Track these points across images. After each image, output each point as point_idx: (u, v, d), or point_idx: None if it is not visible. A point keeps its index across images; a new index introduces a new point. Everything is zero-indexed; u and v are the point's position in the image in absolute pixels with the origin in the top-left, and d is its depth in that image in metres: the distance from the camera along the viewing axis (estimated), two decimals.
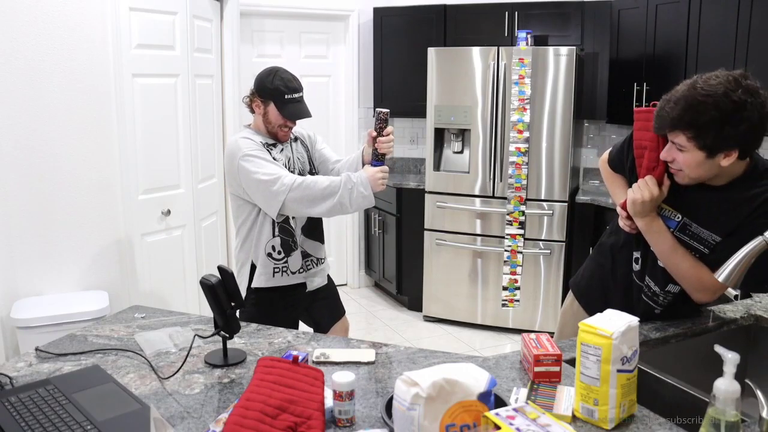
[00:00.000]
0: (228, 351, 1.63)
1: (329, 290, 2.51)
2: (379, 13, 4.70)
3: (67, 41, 2.71)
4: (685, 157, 1.53)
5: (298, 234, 2.33)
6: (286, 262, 2.31)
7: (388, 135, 2.20)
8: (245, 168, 2.16)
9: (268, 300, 2.32)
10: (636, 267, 1.82)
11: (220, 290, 1.57)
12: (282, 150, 2.30)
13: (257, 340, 1.77)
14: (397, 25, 4.67)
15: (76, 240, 2.85)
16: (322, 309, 2.49)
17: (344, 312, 2.58)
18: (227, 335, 1.61)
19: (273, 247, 2.28)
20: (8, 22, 2.57)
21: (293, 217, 2.30)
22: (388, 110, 2.21)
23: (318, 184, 2.14)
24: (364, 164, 2.32)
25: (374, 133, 2.21)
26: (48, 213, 2.77)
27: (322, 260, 2.44)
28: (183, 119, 3.34)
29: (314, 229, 2.39)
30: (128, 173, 2.98)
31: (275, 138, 2.30)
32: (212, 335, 1.64)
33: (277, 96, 2.22)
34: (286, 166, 2.27)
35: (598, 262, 1.98)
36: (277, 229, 2.28)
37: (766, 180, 1.58)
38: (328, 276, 2.53)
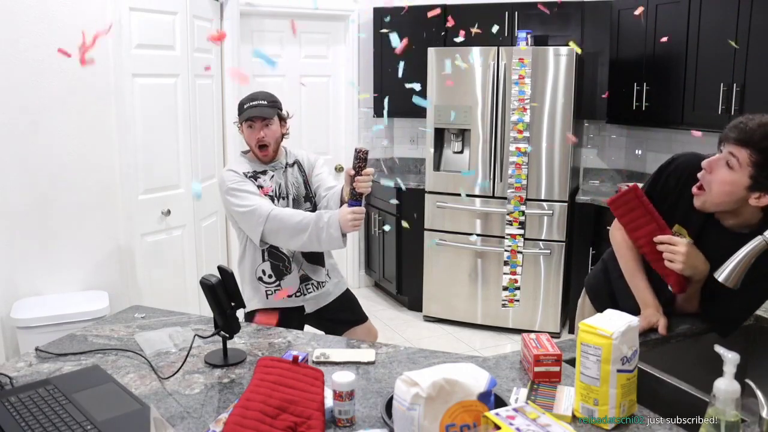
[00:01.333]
0: (228, 351, 1.63)
1: (341, 301, 2.49)
2: (379, 13, 4.70)
3: (67, 41, 2.70)
4: (725, 175, 1.51)
5: (295, 258, 2.35)
6: (279, 285, 2.34)
7: (366, 175, 2.10)
8: (229, 201, 2.24)
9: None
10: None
11: (220, 290, 1.58)
12: (273, 176, 2.31)
13: (257, 340, 1.77)
14: (397, 25, 4.67)
15: (76, 240, 2.85)
16: (330, 320, 2.47)
17: (364, 319, 2.53)
18: (227, 335, 1.61)
19: (263, 272, 2.33)
20: (9, 23, 2.57)
21: None
22: (368, 150, 2.13)
23: (292, 217, 2.15)
24: (343, 202, 2.26)
25: (352, 172, 2.10)
26: (48, 213, 2.77)
27: (323, 283, 2.43)
28: (183, 119, 3.34)
29: (313, 253, 2.39)
30: (128, 173, 2.98)
31: (258, 158, 2.32)
32: (212, 335, 1.64)
33: (240, 109, 2.29)
34: (276, 192, 2.30)
35: (605, 262, 2.04)
36: (266, 254, 2.32)
37: None
38: (347, 289, 2.54)
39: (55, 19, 2.67)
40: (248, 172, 2.28)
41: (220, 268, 1.62)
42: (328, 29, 4.82)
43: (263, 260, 2.33)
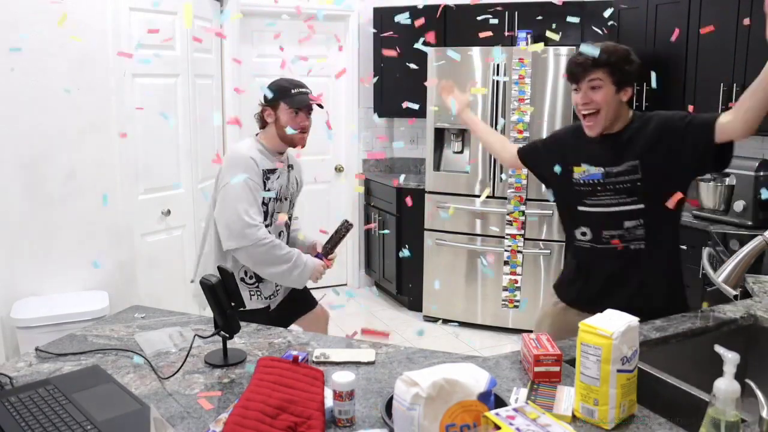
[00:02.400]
0: (228, 351, 1.63)
1: (291, 292, 2.51)
2: (379, 13, 4.69)
3: (67, 41, 2.70)
4: (601, 94, 1.83)
5: None
6: (258, 287, 2.34)
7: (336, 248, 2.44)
8: (237, 193, 2.15)
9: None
10: (586, 237, 1.99)
11: (220, 290, 1.58)
12: (279, 177, 2.31)
13: (257, 340, 1.77)
14: (397, 25, 4.66)
15: (76, 240, 2.85)
16: (284, 311, 2.50)
17: (314, 304, 2.60)
18: (227, 335, 1.61)
19: (245, 272, 2.32)
20: (9, 23, 2.57)
21: None
22: (352, 225, 2.44)
23: (281, 248, 2.21)
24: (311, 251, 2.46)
25: (328, 246, 2.42)
26: (48, 213, 2.77)
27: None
28: (183, 119, 3.34)
29: None
30: (128, 173, 2.98)
31: (291, 144, 2.30)
32: (212, 335, 1.64)
33: (284, 92, 2.25)
34: (277, 194, 2.30)
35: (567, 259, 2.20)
36: None
37: (647, 115, 1.95)
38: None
39: (55, 19, 2.66)
40: (265, 170, 2.25)
41: (220, 268, 1.62)
42: (328, 29, 4.82)
43: None
